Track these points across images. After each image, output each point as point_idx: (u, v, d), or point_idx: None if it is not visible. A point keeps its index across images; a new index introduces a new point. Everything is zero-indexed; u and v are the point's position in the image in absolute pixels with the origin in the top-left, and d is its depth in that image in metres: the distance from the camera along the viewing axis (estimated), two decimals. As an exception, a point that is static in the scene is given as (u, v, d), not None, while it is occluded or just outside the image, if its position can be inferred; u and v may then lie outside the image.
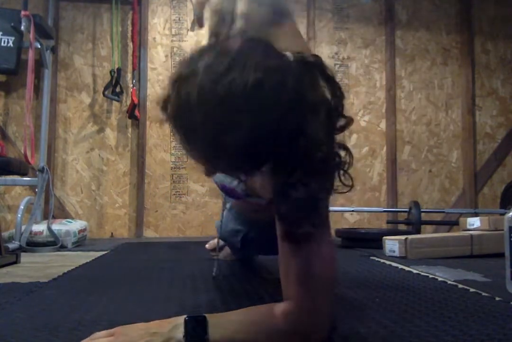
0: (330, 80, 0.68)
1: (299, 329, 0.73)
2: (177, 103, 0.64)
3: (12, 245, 2.22)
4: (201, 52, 0.66)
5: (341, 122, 0.69)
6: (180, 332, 0.70)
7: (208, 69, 0.62)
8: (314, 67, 0.67)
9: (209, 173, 0.74)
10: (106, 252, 2.33)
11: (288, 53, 0.68)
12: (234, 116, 0.60)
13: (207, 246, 1.88)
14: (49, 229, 2.56)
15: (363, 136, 3.54)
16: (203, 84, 0.61)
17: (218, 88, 0.60)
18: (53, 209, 2.84)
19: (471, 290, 1.29)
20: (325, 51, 3.54)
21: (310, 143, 0.65)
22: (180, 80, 0.64)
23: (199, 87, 0.61)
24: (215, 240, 1.89)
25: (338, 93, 0.69)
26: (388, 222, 3.30)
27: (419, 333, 0.85)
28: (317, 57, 0.69)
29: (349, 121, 0.70)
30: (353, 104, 3.54)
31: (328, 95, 0.68)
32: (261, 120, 0.61)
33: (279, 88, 0.61)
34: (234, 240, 1.42)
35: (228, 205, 1.46)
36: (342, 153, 0.71)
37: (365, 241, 2.46)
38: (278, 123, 0.62)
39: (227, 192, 1.07)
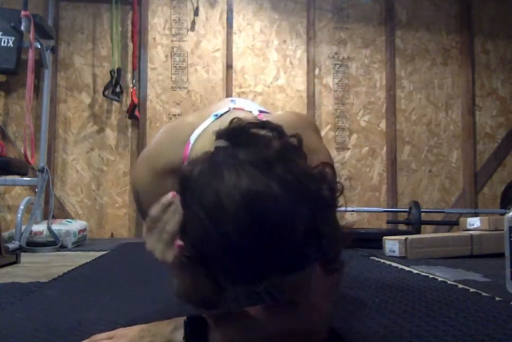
0: (280, 134, 0.63)
1: (300, 329, 0.73)
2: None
3: (12, 245, 2.22)
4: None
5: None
6: (180, 334, 0.69)
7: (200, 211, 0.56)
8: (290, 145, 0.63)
9: None
10: (106, 252, 2.33)
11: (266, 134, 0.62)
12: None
13: None
14: (49, 229, 2.56)
15: (363, 136, 3.54)
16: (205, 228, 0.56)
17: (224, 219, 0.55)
18: (53, 209, 2.84)
19: (471, 290, 1.29)
20: (325, 51, 3.54)
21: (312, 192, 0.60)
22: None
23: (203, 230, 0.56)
24: None
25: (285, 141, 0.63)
26: (388, 222, 3.30)
27: (419, 333, 0.86)
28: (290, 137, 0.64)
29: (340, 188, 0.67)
30: (353, 104, 3.54)
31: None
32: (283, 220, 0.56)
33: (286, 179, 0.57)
34: None
35: None
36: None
37: (365, 241, 2.46)
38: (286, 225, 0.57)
39: None
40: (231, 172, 0.56)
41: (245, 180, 0.56)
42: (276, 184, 0.56)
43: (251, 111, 0.94)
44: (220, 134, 0.63)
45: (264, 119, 0.83)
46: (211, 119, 0.90)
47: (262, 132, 0.62)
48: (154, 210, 0.65)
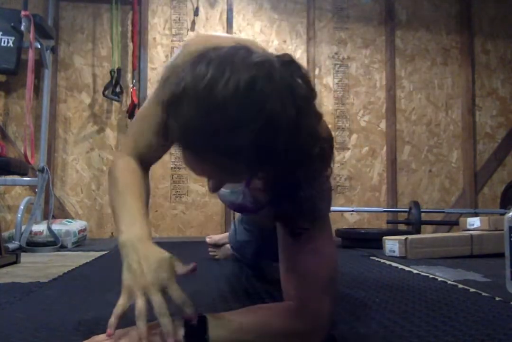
0: (304, 77, 0.68)
1: (300, 329, 0.73)
2: (181, 122, 0.63)
3: (12, 245, 2.22)
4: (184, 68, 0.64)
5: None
6: (180, 333, 0.69)
7: (198, 79, 0.61)
8: (291, 63, 0.68)
9: (217, 187, 0.73)
10: (106, 252, 2.33)
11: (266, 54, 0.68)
12: (236, 117, 0.60)
13: (207, 239, 1.90)
14: (49, 229, 2.56)
15: (363, 136, 3.54)
16: (200, 95, 0.60)
17: (216, 93, 0.59)
18: (53, 209, 2.84)
19: (471, 290, 1.29)
20: (325, 51, 3.54)
21: (309, 135, 0.66)
22: (175, 100, 0.63)
23: (198, 98, 0.60)
24: (216, 237, 1.91)
25: (311, 87, 0.69)
26: (388, 222, 3.30)
27: (419, 333, 0.85)
28: (289, 55, 0.70)
29: (320, 116, 0.71)
30: (353, 104, 3.54)
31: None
32: (263, 114, 0.61)
33: (272, 81, 0.62)
34: (246, 251, 1.46)
35: (238, 217, 1.48)
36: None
37: (365, 241, 2.46)
38: (278, 115, 0.61)
39: (237, 208, 1.05)
40: (252, 69, 0.61)
41: (259, 80, 0.60)
42: (288, 106, 0.62)
43: None
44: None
45: None
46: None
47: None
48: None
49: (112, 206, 0.83)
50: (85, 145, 3.29)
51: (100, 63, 3.34)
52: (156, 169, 3.32)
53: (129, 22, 3.36)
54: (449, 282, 1.42)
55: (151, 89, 3.36)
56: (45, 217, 2.84)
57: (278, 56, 0.68)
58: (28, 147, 2.65)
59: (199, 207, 3.34)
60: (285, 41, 3.51)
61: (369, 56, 3.59)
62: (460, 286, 1.35)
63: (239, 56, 0.63)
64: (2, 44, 2.90)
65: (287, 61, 0.67)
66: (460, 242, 2.09)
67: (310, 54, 3.49)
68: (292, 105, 0.63)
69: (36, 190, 2.75)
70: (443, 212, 3.27)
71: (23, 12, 2.73)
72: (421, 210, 2.89)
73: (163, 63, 3.40)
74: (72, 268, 1.73)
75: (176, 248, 2.54)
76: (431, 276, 1.53)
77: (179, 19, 3.43)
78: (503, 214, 1.85)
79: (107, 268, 1.81)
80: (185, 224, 3.34)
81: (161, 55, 3.41)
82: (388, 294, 1.24)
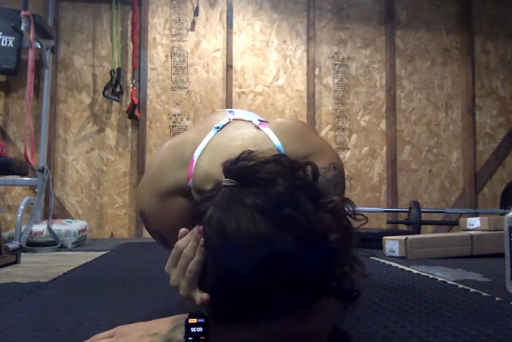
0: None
1: (301, 329, 0.73)
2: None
3: (12, 245, 2.22)
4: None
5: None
6: (180, 333, 0.69)
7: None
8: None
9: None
10: (106, 252, 2.33)
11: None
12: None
13: None
14: (49, 229, 2.56)
15: (363, 136, 3.54)
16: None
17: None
18: (53, 209, 2.84)
19: (471, 290, 1.29)
20: (325, 51, 3.54)
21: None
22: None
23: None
24: None
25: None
26: (388, 222, 3.31)
27: (419, 333, 0.85)
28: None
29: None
30: (353, 104, 3.54)
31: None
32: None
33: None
34: None
35: None
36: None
37: (365, 241, 2.45)
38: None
39: None
40: (240, 220, 0.58)
41: (252, 228, 0.57)
42: (283, 231, 0.57)
43: (251, 121, 0.95)
44: (227, 171, 0.63)
45: (266, 127, 0.92)
46: (212, 132, 0.91)
47: (271, 168, 0.62)
48: (181, 242, 0.65)
49: None
50: (85, 145, 3.29)
51: (100, 63, 3.34)
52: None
53: (129, 22, 3.36)
54: (449, 282, 1.42)
55: (151, 89, 3.36)
56: (45, 217, 2.84)
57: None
58: (28, 147, 2.65)
59: (199, 207, 3.34)
60: (285, 41, 3.51)
61: (369, 56, 3.59)
62: (460, 286, 1.35)
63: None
64: (2, 44, 2.90)
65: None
66: (460, 242, 2.09)
67: (310, 54, 3.49)
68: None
69: (36, 190, 2.75)
70: (443, 212, 3.27)
71: (23, 12, 2.73)
72: (421, 210, 2.89)
73: (163, 63, 3.40)
74: (72, 268, 1.73)
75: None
76: (431, 276, 1.53)
77: (179, 19, 3.43)
78: (503, 214, 1.85)
79: (107, 268, 1.81)
80: (185, 224, 3.33)
81: (161, 55, 3.41)
82: (388, 294, 1.24)
